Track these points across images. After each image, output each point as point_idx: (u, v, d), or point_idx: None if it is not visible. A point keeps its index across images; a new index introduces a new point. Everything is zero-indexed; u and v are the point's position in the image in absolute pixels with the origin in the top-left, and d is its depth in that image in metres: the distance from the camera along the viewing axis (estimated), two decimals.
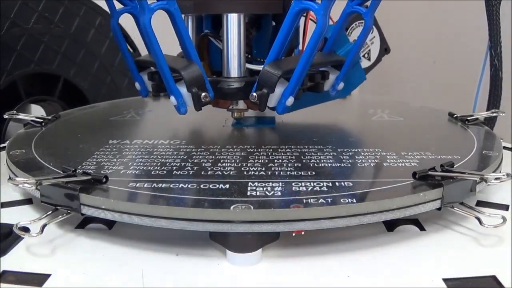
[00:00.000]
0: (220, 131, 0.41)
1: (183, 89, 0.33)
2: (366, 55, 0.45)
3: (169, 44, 0.35)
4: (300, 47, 0.39)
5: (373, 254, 0.26)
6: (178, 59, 0.35)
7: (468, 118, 0.41)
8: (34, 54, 0.56)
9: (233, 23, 0.35)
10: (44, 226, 0.26)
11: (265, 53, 0.34)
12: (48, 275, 0.24)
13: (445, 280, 0.23)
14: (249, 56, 0.37)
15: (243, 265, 0.25)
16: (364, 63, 0.45)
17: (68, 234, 0.28)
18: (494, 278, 0.23)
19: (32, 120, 0.41)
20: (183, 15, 0.33)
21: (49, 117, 0.42)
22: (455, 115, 0.42)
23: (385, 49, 0.46)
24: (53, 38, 0.57)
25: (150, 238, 0.27)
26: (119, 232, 0.28)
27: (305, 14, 0.38)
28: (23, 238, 0.27)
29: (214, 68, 0.38)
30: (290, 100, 0.33)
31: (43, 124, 0.41)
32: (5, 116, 0.41)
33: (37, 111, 0.57)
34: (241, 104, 0.37)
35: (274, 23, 0.39)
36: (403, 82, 0.94)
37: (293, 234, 0.25)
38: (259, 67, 0.34)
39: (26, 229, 0.26)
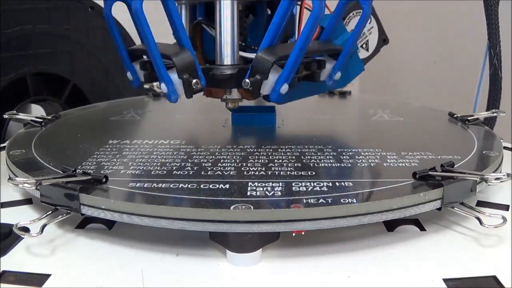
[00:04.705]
0: (220, 131, 0.41)
1: (174, 76, 0.32)
2: (364, 46, 0.44)
3: (162, 36, 0.35)
4: (296, 37, 0.38)
5: (373, 254, 0.26)
6: (170, 45, 0.35)
7: (468, 118, 0.41)
8: (32, 53, 0.55)
9: (226, 10, 0.34)
10: (44, 226, 0.26)
11: (260, 42, 0.33)
12: (48, 275, 0.24)
13: (445, 280, 0.23)
14: (243, 44, 0.36)
15: (243, 265, 0.25)
16: (363, 54, 0.44)
17: (68, 234, 0.28)
18: (494, 278, 0.23)
19: (32, 120, 0.41)
20: (176, 3, 0.33)
21: (49, 117, 0.42)
22: (455, 115, 0.42)
23: (383, 39, 0.45)
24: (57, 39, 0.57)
25: (150, 238, 0.27)
26: (119, 232, 0.28)
27: (300, 3, 0.37)
28: (23, 238, 0.27)
29: (208, 57, 0.37)
30: (284, 88, 0.32)
31: (43, 124, 0.41)
32: (5, 116, 0.41)
33: (37, 111, 0.57)
34: (235, 94, 0.36)
35: (269, 12, 0.38)
36: (403, 82, 0.94)
37: (293, 234, 0.25)
38: (253, 55, 0.33)
39: (26, 229, 0.26)
